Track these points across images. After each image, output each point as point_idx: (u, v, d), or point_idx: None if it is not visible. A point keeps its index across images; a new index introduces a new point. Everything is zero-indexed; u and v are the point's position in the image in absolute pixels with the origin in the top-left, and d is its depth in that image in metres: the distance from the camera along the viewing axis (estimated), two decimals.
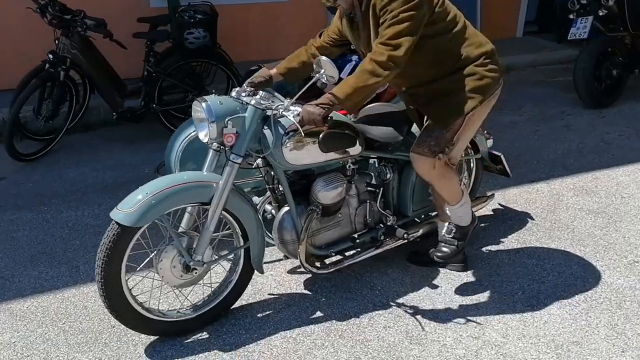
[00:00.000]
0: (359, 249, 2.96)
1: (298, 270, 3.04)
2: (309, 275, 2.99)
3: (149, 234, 2.48)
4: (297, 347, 2.53)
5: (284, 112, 2.44)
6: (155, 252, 2.48)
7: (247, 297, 2.87)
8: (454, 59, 2.56)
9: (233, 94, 2.54)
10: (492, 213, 3.67)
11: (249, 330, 2.65)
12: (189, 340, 2.58)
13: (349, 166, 2.83)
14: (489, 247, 3.27)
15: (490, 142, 3.47)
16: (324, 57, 2.39)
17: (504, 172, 3.49)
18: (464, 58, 2.57)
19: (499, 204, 3.75)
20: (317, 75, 2.39)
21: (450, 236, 2.91)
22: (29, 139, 4.68)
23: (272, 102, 2.50)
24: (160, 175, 3.20)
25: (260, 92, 2.52)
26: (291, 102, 2.46)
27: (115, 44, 4.58)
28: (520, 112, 5.58)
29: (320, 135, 2.57)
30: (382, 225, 3.00)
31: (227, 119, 2.41)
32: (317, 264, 2.82)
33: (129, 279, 2.46)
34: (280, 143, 2.49)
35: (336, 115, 2.71)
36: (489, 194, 3.52)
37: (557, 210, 3.67)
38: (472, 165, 3.46)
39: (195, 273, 2.51)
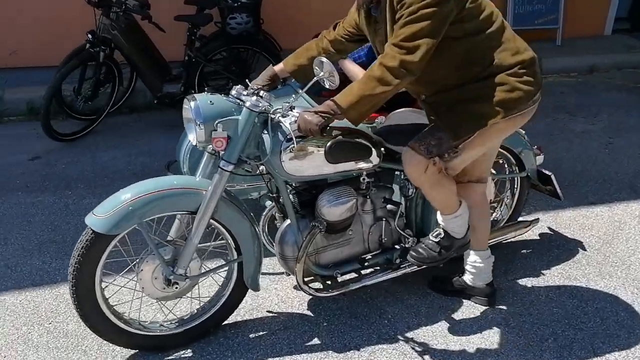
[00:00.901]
0: (370, 272, 2.65)
1: (323, 280, 2.76)
2: (345, 290, 2.69)
3: (136, 238, 2.29)
4: None
5: (279, 118, 2.16)
6: (137, 260, 2.29)
7: (244, 312, 2.64)
8: (483, 64, 2.18)
9: (233, 92, 2.28)
10: (537, 238, 3.23)
11: (236, 352, 2.42)
12: (170, 357, 2.39)
13: (364, 179, 2.52)
14: (526, 280, 2.87)
15: (540, 159, 3.03)
16: (323, 58, 2.09)
17: (555, 194, 3.04)
18: (496, 65, 2.18)
19: (548, 228, 3.31)
20: (317, 78, 2.10)
21: (435, 240, 2.53)
22: (74, 119, 4.66)
23: (272, 104, 2.23)
24: (170, 174, 3.02)
25: (263, 92, 2.25)
26: (289, 106, 2.18)
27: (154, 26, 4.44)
28: (595, 120, 5.00)
29: (328, 144, 2.27)
30: (400, 247, 2.67)
31: (216, 122, 2.16)
32: (319, 285, 2.54)
33: (106, 287, 2.29)
34: (278, 150, 2.22)
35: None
36: (532, 218, 3.09)
37: (615, 241, 3.18)
38: (516, 184, 3.05)
39: (176, 288, 2.30)
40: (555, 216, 3.43)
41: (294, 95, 2.20)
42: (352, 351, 2.42)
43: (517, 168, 2.98)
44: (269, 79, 2.47)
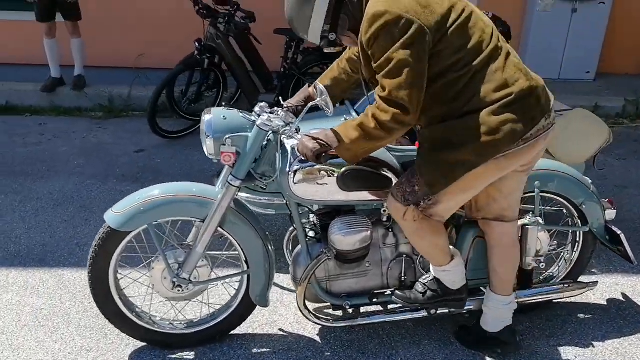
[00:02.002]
0: (384, 309, 2.53)
1: (325, 310, 2.72)
2: (353, 324, 2.60)
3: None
4: None
5: (283, 139, 2.16)
6: (153, 258, 2.42)
7: (258, 325, 2.67)
8: (464, 99, 1.97)
9: (256, 109, 2.32)
10: (603, 303, 2.85)
11: None
12: (173, 356, 2.49)
13: (384, 210, 2.42)
14: (571, 349, 2.53)
15: (610, 214, 2.67)
16: (321, 86, 2.05)
17: (626, 257, 2.66)
18: (478, 101, 1.96)
19: (622, 295, 2.90)
20: (311, 103, 2.06)
21: (423, 281, 2.37)
22: (184, 119, 5.03)
23: (287, 123, 2.23)
24: (217, 181, 3.14)
25: (282, 111, 2.25)
26: (295, 126, 2.17)
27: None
28: None
29: (341, 170, 2.22)
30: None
31: (226, 137, 2.21)
32: (322, 315, 2.48)
33: (121, 279, 2.45)
34: (287, 171, 2.22)
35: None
36: (592, 279, 2.72)
37: None
38: (578, 238, 2.71)
39: (179, 291, 2.39)
40: (634, 281, 2.99)
41: (296, 118, 2.19)
42: None
43: (579, 221, 2.65)
44: (304, 100, 2.47)
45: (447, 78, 1.96)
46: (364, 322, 2.48)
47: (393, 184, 2.27)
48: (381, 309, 2.56)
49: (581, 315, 2.75)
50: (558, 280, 2.74)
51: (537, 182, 2.49)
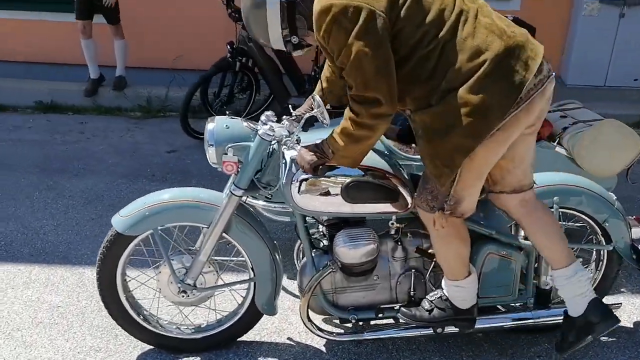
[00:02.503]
0: (392, 324, 2.46)
1: (331, 322, 2.66)
2: (350, 331, 2.58)
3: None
4: None
5: (284, 149, 2.13)
6: (160, 262, 2.43)
7: (267, 333, 2.65)
8: (440, 76, 1.86)
9: (262, 117, 2.30)
10: (630, 326, 2.69)
11: None
12: None
13: (392, 223, 2.36)
14: None
15: (638, 232, 2.52)
16: (316, 96, 2.00)
17: None
18: (453, 75, 1.84)
19: None
20: (308, 114, 2.02)
21: (430, 299, 2.29)
22: None
23: (290, 133, 2.19)
24: None
25: (285, 120, 2.22)
26: (295, 135, 2.13)
27: None
28: None
29: (346, 182, 2.18)
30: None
31: (228, 146, 2.20)
32: (327, 328, 2.44)
33: (129, 281, 2.47)
34: (290, 181, 2.18)
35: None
36: (618, 300, 2.58)
37: None
38: (602, 257, 2.57)
39: (183, 296, 2.39)
40: None
41: (299, 128, 2.15)
42: None
43: (602, 239, 2.51)
44: (310, 107, 2.44)
45: (417, 55, 1.85)
46: (370, 337, 2.42)
47: (399, 196, 2.21)
48: (388, 323, 2.50)
49: (604, 339, 2.60)
50: None
51: (555, 197, 2.37)
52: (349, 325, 2.45)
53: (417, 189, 2.12)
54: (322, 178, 2.15)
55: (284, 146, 2.17)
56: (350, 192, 2.19)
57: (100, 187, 4.08)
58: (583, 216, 2.46)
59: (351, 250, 2.28)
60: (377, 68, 1.79)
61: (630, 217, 2.54)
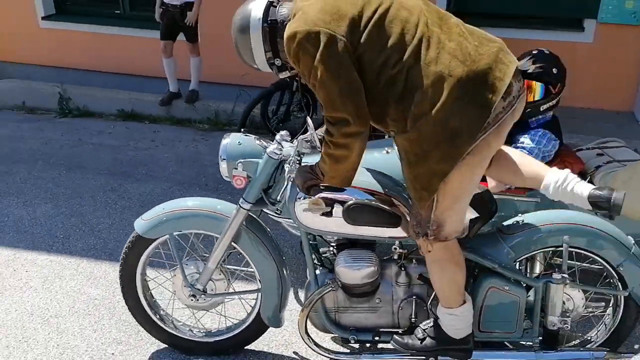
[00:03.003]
0: (392, 349, 2.47)
1: (336, 341, 2.70)
2: (348, 351, 2.63)
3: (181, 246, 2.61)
4: None
5: (285, 166, 2.24)
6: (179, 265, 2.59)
7: (276, 344, 2.76)
8: (410, 97, 1.88)
9: (277, 137, 2.42)
10: None
11: None
12: None
13: (395, 248, 2.39)
14: None
15: None
16: (309, 120, 2.09)
17: None
18: (420, 100, 1.86)
19: None
20: (303, 137, 2.11)
21: (423, 327, 2.29)
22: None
23: (299, 153, 2.29)
24: None
25: (296, 140, 2.33)
26: (295, 155, 2.23)
27: None
28: None
29: (347, 204, 2.25)
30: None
31: (238, 161, 2.34)
32: (324, 345, 2.49)
33: (149, 281, 2.66)
34: (294, 199, 2.28)
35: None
36: (634, 348, 2.44)
37: None
38: (619, 302, 2.45)
39: (193, 300, 2.54)
40: None
41: (308, 149, 2.25)
42: None
43: (619, 283, 2.39)
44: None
45: (384, 78, 1.89)
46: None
47: (401, 221, 2.25)
48: (388, 347, 2.51)
49: None
50: (594, 346, 2.49)
51: (566, 236, 2.30)
52: (352, 345, 2.50)
53: (409, 218, 2.15)
54: (326, 197, 2.23)
55: (287, 165, 2.27)
56: (351, 214, 2.24)
57: (157, 192, 4.37)
58: (598, 258, 2.37)
59: (351, 271, 2.33)
60: (341, 89, 1.85)
61: None
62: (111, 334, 2.83)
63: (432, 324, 2.30)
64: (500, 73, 1.91)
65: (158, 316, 2.66)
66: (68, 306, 3.04)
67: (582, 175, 2.93)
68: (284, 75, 2.15)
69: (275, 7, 2.05)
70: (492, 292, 2.33)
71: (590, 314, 2.52)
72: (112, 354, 2.71)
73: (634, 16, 5.20)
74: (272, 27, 2.02)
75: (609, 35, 5.31)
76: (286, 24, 1.97)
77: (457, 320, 2.24)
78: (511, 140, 2.84)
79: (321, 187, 2.15)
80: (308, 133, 2.14)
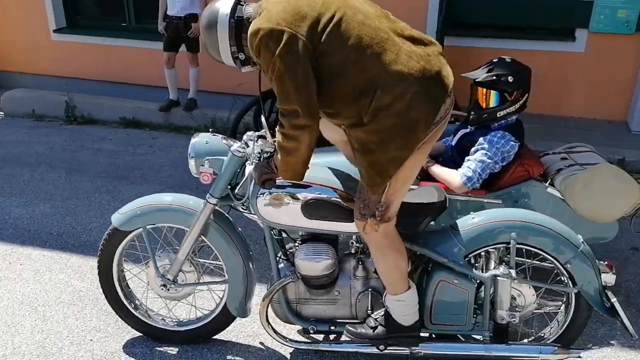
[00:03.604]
0: (349, 339, 2.60)
1: (304, 332, 2.83)
2: (308, 341, 2.75)
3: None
4: None
5: (247, 163, 2.39)
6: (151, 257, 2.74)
7: (244, 335, 2.89)
8: (370, 95, 2.04)
9: (245, 137, 2.56)
10: None
11: None
12: (160, 349, 2.79)
13: (352, 243, 2.52)
14: None
15: (608, 278, 2.47)
16: (262, 118, 2.24)
17: (625, 328, 2.45)
18: (380, 96, 2.03)
19: None
20: (257, 134, 2.27)
21: (374, 316, 2.43)
22: None
23: (262, 152, 2.44)
24: None
25: (261, 140, 2.47)
26: (257, 153, 2.38)
27: None
28: None
29: (306, 199, 2.39)
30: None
31: (205, 158, 2.49)
32: (284, 334, 2.63)
33: (125, 271, 2.82)
34: (256, 195, 2.43)
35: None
36: (579, 354, 2.51)
37: None
38: (570, 300, 2.54)
39: (164, 290, 2.68)
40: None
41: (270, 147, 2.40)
42: None
43: (568, 280, 2.49)
44: None
45: (343, 77, 2.04)
46: (324, 349, 2.58)
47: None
48: (346, 338, 2.63)
49: None
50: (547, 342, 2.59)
51: (513, 232, 2.41)
52: (312, 335, 2.63)
53: (355, 199, 2.29)
54: (284, 192, 2.38)
55: (248, 163, 2.42)
56: (309, 209, 2.39)
57: (149, 194, 4.48)
58: (548, 256, 2.47)
59: (309, 263, 2.46)
60: (297, 84, 2.00)
61: (601, 262, 2.50)
62: (92, 322, 2.99)
63: (382, 313, 2.43)
64: (446, 73, 2.13)
65: (133, 305, 2.81)
66: (55, 296, 3.21)
67: (544, 177, 3.05)
68: (247, 69, 2.28)
69: (242, 5, 2.22)
70: (442, 286, 2.44)
71: (544, 312, 2.62)
72: (91, 340, 2.86)
73: (626, 25, 5.27)
74: (238, 24, 2.17)
75: (601, 44, 5.39)
76: (251, 21, 2.13)
77: (404, 306, 2.37)
78: (473, 141, 2.96)
79: (276, 182, 2.30)
80: (262, 130, 2.29)
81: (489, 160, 2.86)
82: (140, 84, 6.71)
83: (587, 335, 2.86)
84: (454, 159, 3.07)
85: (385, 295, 2.42)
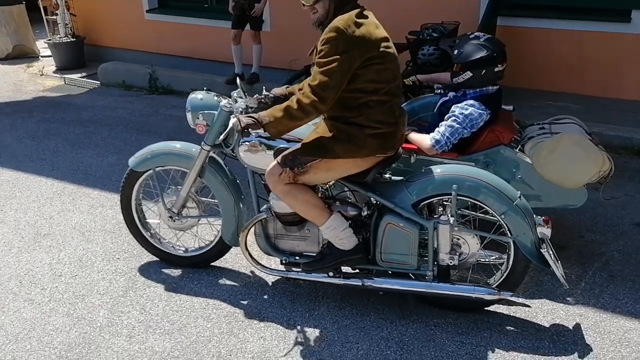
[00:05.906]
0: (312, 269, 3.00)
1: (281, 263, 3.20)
2: (284, 276, 3.08)
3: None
4: (219, 321, 3.03)
5: (232, 117, 2.85)
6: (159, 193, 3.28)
7: (239, 265, 3.39)
8: (359, 112, 2.58)
9: (233, 94, 3.02)
10: (545, 325, 2.84)
11: (202, 282, 3.24)
12: (166, 270, 3.38)
13: (320, 187, 2.92)
14: (482, 352, 2.70)
15: (544, 232, 2.70)
16: (239, 80, 2.71)
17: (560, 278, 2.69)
18: (362, 119, 2.58)
19: (556, 318, 2.84)
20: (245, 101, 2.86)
21: (323, 250, 2.89)
22: None
23: (247, 107, 2.91)
24: None
25: (248, 97, 2.93)
26: (239, 108, 2.85)
27: None
28: None
29: (277, 148, 2.84)
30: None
31: (199, 112, 3.00)
32: (260, 262, 3.10)
33: (141, 206, 3.41)
34: (239, 144, 2.92)
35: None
36: (508, 296, 2.78)
37: None
38: (510, 250, 2.79)
39: (170, 221, 3.24)
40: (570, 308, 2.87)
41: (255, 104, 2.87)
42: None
43: (508, 231, 2.74)
44: (280, 94, 3.10)
45: (355, 93, 2.57)
46: (291, 276, 3.00)
47: None
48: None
49: (510, 328, 2.82)
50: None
51: (454, 185, 2.69)
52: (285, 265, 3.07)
53: (288, 150, 2.71)
54: (260, 142, 2.85)
55: (232, 115, 2.89)
56: (276, 155, 2.83)
57: None
58: (487, 208, 2.74)
59: (280, 202, 2.90)
60: (337, 83, 2.49)
61: (540, 217, 2.72)
62: (123, 246, 3.65)
63: (326, 244, 2.87)
64: (401, 140, 2.81)
65: (149, 234, 3.41)
66: (100, 226, 3.91)
67: (515, 143, 3.26)
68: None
69: None
70: (389, 228, 2.78)
71: (491, 263, 2.90)
72: (118, 258, 3.52)
73: None
74: (341, 3, 2.59)
75: None
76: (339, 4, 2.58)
77: (335, 231, 2.77)
78: (449, 108, 3.23)
79: (252, 133, 2.73)
80: (238, 89, 2.79)
81: (458, 126, 3.12)
82: (213, 59, 7.41)
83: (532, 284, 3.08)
84: (436, 125, 3.35)
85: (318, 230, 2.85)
